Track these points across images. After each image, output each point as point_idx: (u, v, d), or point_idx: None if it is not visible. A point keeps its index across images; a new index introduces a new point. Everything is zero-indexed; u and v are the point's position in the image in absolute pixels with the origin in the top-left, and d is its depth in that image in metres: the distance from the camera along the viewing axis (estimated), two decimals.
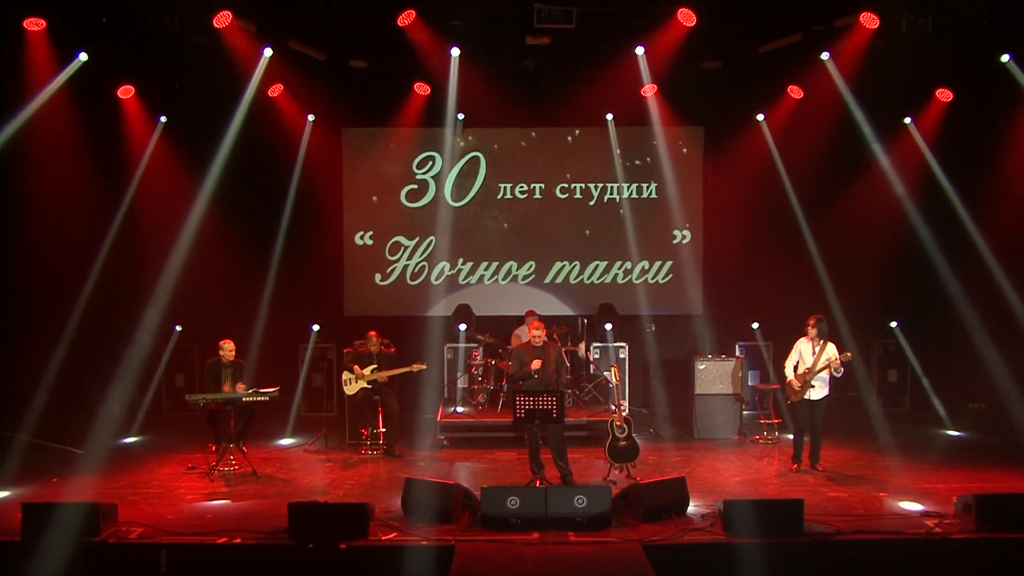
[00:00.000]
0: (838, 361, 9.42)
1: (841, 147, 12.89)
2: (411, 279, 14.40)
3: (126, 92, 12.37)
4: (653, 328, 13.77)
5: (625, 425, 9.35)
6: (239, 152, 12.62)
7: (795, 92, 13.01)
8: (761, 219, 13.82)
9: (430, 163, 14.34)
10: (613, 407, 9.98)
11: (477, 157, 14.39)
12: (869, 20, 10.82)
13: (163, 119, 12.88)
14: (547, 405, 8.60)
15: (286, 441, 11.80)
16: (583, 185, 14.40)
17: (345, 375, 10.98)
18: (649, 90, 13.00)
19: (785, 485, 9.28)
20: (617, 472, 9.44)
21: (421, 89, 13.22)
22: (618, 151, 14.10)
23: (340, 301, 14.38)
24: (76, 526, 7.06)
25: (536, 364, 9.04)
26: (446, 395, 13.11)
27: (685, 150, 14.29)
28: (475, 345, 13.16)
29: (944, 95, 12.57)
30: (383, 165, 14.40)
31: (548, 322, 10.58)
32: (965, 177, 12.62)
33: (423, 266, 14.37)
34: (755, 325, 13.42)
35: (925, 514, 7.91)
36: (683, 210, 14.16)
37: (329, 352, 13.11)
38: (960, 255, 12.50)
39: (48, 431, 10.77)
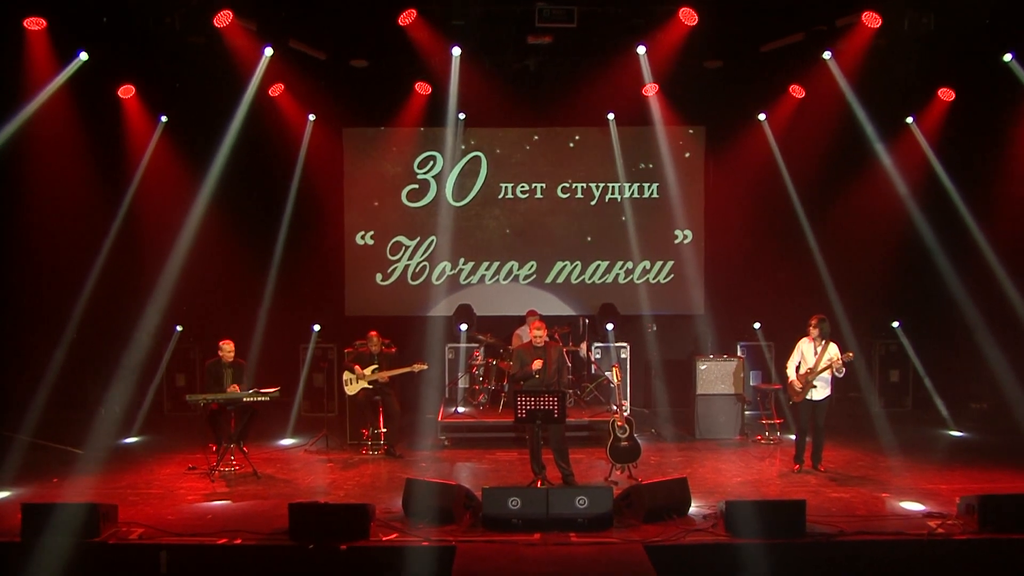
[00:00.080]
0: (840, 361, 9.40)
1: (843, 147, 12.88)
2: (412, 279, 14.39)
3: (127, 92, 12.37)
4: (654, 328, 13.78)
5: (627, 425, 9.34)
6: (240, 152, 12.61)
7: (797, 91, 13.00)
8: (763, 219, 13.81)
9: (431, 163, 14.32)
10: (614, 407, 9.96)
11: (478, 157, 14.37)
12: (871, 19, 10.79)
13: (164, 119, 12.88)
14: (548, 405, 8.58)
15: (287, 441, 11.79)
16: (584, 185, 14.39)
17: (346, 375, 10.95)
18: (650, 90, 12.98)
19: (787, 486, 9.25)
20: (619, 473, 9.42)
21: (422, 89, 13.21)
22: (619, 151, 14.07)
23: (341, 301, 14.37)
24: (76, 527, 7.03)
25: (537, 364, 9.02)
26: (447, 395, 13.10)
27: (687, 151, 14.27)
28: (476, 345, 13.14)
29: (946, 94, 12.55)
30: (384, 165, 14.39)
31: (549, 322, 10.56)
32: (967, 177, 12.60)
33: (424, 266, 14.36)
34: (757, 325, 13.40)
35: (928, 515, 7.87)
36: (684, 210, 14.14)
37: (330, 352, 13.10)
38: (962, 255, 12.48)
39: (48, 431, 10.76)
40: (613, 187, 14.34)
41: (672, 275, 14.38)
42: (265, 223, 13.62)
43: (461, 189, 14.39)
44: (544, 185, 14.39)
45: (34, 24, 10.50)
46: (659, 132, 13.62)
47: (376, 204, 14.39)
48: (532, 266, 14.40)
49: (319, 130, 13.81)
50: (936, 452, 11.09)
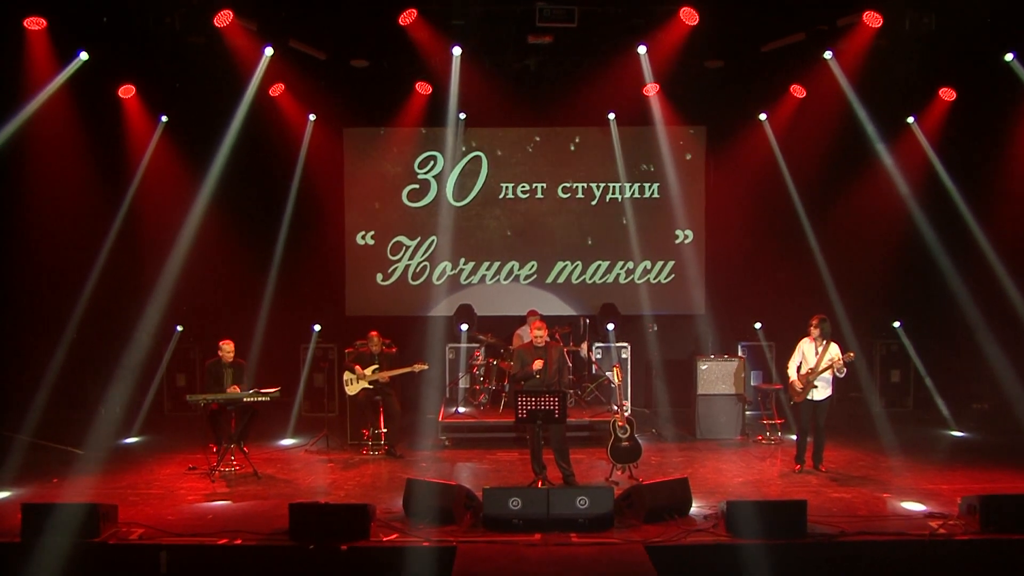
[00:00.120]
0: (841, 361, 9.39)
1: (844, 146, 12.87)
2: (413, 279, 14.38)
3: (127, 91, 12.37)
4: (655, 328, 13.77)
5: (627, 425, 9.33)
6: (240, 152, 12.60)
7: (798, 91, 12.98)
8: (763, 219, 13.80)
9: (432, 163, 14.32)
10: (615, 407, 9.95)
11: (479, 157, 14.36)
12: (872, 19, 10.77)
13: (164, 119, 12.87)
14: (549, 405, 8.57)
15: (287, 441, 11.78)
16: (585, 185, 14.38)
17: (346, 375, 10.94)
18: (651, 89, 12.97)
19: (788, 486, 9.24)
20: (619, 473, 9.41)
21: (423, 88, 13.20)
22: (620, 151, 14.06)
23: (341, 301, 14.36)
24: (76, 527, 7.03)
25: (538, 364, 9.01)
26: (448, 395, 13.09)
27: (687, 151, 14.25)
28: (477, 345, 13.13)
29: (947, 94, 12.53)
30: (384, 165, 14.38)
31: (550, 322, 10.53)
32: (968, 176, 12.58)
33: (425, 266, 14.35)
34: (758, 325, 13.38)
35: (929, 515, 7.86)
36: (685, 210, 14.13)
37: (330, 352, 13.10)
38: (963, 254, 12.47)
39: (49, 431, 10.74)
40: (614, 187, 14.33)
41: (673, 275, 14.37)
42: (265, 223, 13.61)
43: (462, 189, 14.38)
44: (545, 185, 14.38)
45: (34, 24, 10.48)
46: (660, 132, 13.60)
47: (377, 204, 14.38)
48: (533, 266, 14.39)
49: (319, 130, 13.80)
50: (937, 452, 11.08)
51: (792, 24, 11.34)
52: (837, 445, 10.78)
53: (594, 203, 14.38)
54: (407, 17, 10.97)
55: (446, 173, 14.24)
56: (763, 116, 13.60)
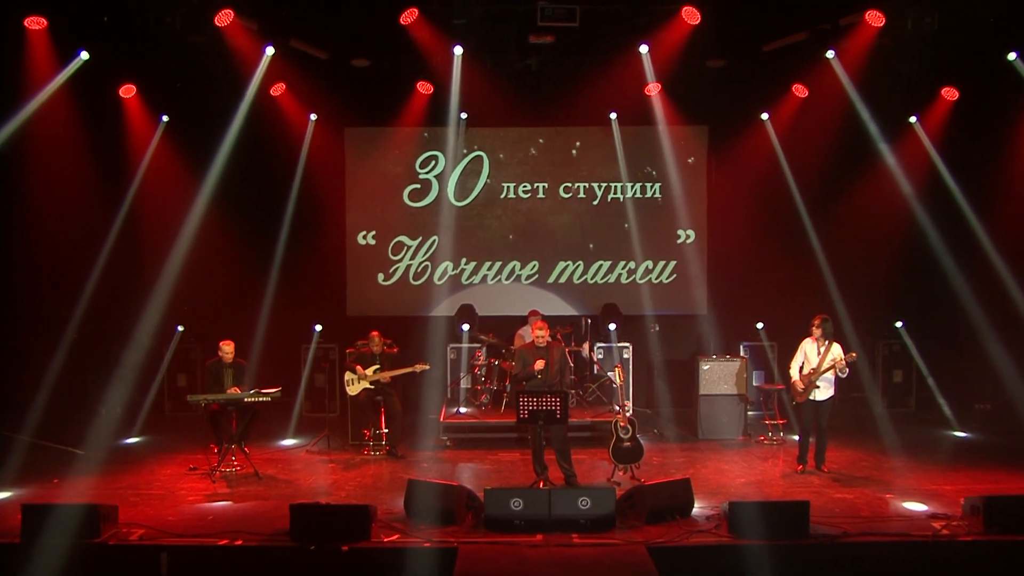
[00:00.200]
0: (843, 361, 9.37)
1: (846, 146, 12.85)
2: (414, 279, 14.36)
3: (127, 91, 12.35)
4: (657, 328, 13.75)
5: (629, 426, 9.31)
6: (241, 151, 12.59)
7: (800, 91, 12.95)
8: (765, 218, 13.76)
9: (433, 162, 14.30)
10: (617, 408, 9.93)
11: (480, 156, 14.35)
12: (875, 18, 10.74)
13: (165, 118, 12.85)
14: (551, 406, 8.55)
15: (288, 442, 11.76)
16: (586, 185, 14.35)
17: (347, 375, 10.92)
18: (653, 89, 12.95)
19: (790, 486, 9.22)
20: (621, 473, 9.39)
21: (424, 88, 13.17)
22: (622, 151, 14.03)
23: (342, 301, 14.34)
24: (76, 527, 7.01)
25: (540, 364, 8.99)
26: (449, 396, 13.06)
27: (689, 151, 14.22)
28: (478, 345, 13.11)
29: (950, 93, 12.49)
30: (386, 164, 14.36)
31: (552, 322, 10.52)
32: (971, 176, 12.56)
33: (426, 266, 14.33)
34: (760, 325, 13.34)
35: (932, 516, 7.83)
36: (687, 209, 14.10)
37: (331, 352, 13.10)
38: (966, 254, 12.43)
39: (49, 431, 10.72)
40: (615, 187, 14.31)
41: (675, 275, 14.34)
42: (266, 223, 13.59)
43: (463, 189, 14.36)
44: (546, 185, 14.36)
45: (35, 23, 10.46)
46: (661, 132, 13.57)
47: (378, 204, 14.36)
48: (534, 266, 14.37)
49: (320, 130, 13.78)
50: (940, 453, 11.05)
51: (794, 23, 11.32)
52: (839, 446, 10.74)
53: (596, 203, 14.36)
54: (408, 16, 10.95)
55: (447, 173, 14.22)
56: (765, 115, 13.56)
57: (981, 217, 12.31)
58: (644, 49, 11.96)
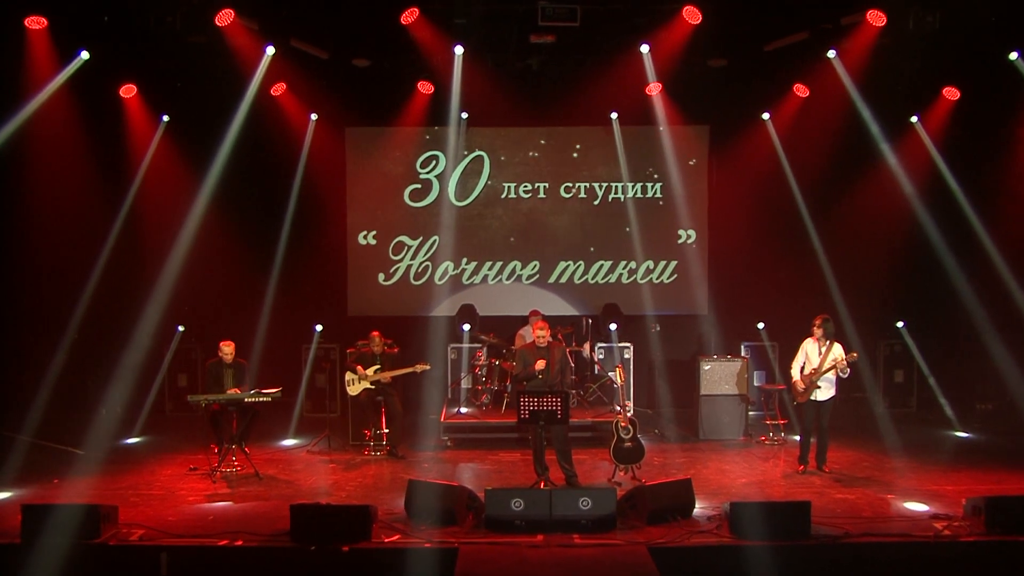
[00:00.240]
0: (844, 362, 9.36)
1: (847, 146, 12.84)
2: (415, 279, 14.34)
3: (128, 91, 12.36)
4: (658, 328, 13.74)
5: (630, 426, 9.30)
6: (241, 151, 12.58)
7: (801, 90, 12.94)
8: (766, 218, 13.75)
9: (434, 162, 14.28)
10: (618, 408, 9.91)
11: (481, 156, 14.33)
12: (876, 18, 10.72)
13: (165, 118, 12.85)
14: (552, 406, 8.54)
15: (289, 442, 11.75)
16: (587, 185, 14.34)
17: (348, 375, 10.92)
18: (654, 89, 12.94)
19: (792, 487, 9.21)
20: (622, 474, 9.37)
21: (424, 88, 13.16)
22: (623, 150, 14.02)
23: (343, 301, 14.33)
24: (76, 528, 7.00)
25: (540, 364, 8.98)
26: (450, 396, 13.05)
27: (690, 150, 14.20)
28: (479, 345, 13.09)
29: (951, 93, 12.49)
30: (386, 164, 14.35)
31: (552, 322, 10.50)
32: (973, 176, 12.55)
33: (427, 266, 14.32)
34: (761, 325, 13.33)
35: (934, 516, 7.82)
36: (688, 209, 14.08)
37: (332, 352, 13.09)
38: (968, 254, 12.43)
39: (49, 431, 10.72)
40: (616, 187, 14.29)
41: (676, 275, 14.33)
42: (267, 223, 13.58)
43: (464, 189, 14.35)
44: (547, 185, 14.34)
45: (35, 23, 10.46)
46: (662, 132, 13.57)
47: (378, 204, 14.35)
48: (535, 266, 14.35)
49: (321, 129, 13.77)
50: (941, 453, 11.03)
51: (795, 23, 11.31)
52: (841, 446, 10.72)
53: (596, 203, 14.34)
54: (409, 16, 10.94)
55: (448, 173, 14.21)
56: (766, 115, 13.55)
57: (982, 217, 12.30)
58: (645, 49, 11.94)
